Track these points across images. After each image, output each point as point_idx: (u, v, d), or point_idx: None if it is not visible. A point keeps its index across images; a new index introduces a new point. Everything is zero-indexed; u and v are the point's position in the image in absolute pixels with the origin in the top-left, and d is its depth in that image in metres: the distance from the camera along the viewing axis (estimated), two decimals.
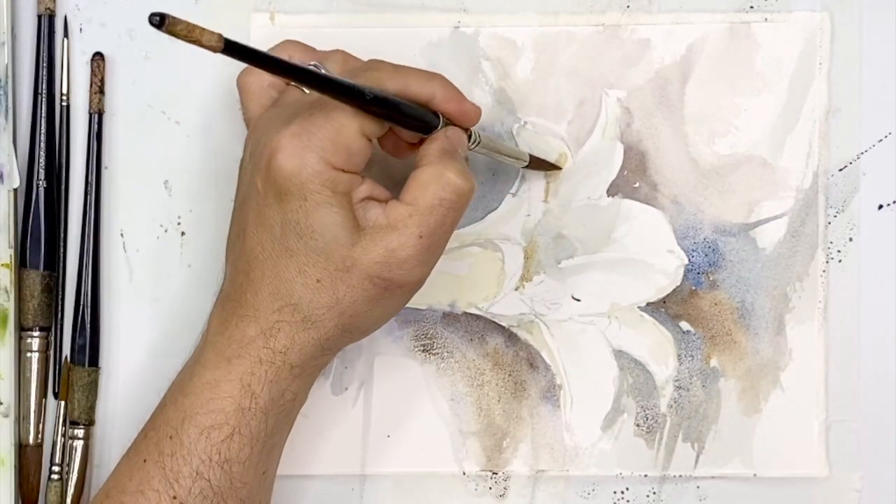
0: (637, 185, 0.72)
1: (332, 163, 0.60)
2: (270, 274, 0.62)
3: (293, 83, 0.64)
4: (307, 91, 0.63)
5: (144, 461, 0.63)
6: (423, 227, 0.62)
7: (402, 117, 0.63)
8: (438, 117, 0.64)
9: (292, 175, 0.60)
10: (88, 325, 0.72)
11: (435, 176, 0.62)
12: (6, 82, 0.71)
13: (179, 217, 0.73)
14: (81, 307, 0.72)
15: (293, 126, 0.60)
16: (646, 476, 0.72)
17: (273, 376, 0.62)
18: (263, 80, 0.66)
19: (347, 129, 0.61)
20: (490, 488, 0.73)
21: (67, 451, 0.72)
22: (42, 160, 0.72)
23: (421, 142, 0.64)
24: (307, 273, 0.62)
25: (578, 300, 0.72)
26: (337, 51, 0.67)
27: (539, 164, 0.71)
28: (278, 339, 0.62)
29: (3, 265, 0.71)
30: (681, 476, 0.72)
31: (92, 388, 0.72)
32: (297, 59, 0.65)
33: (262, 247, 0.62)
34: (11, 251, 0.71)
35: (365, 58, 0.72)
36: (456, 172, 0.62)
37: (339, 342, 0.64)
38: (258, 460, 0.63)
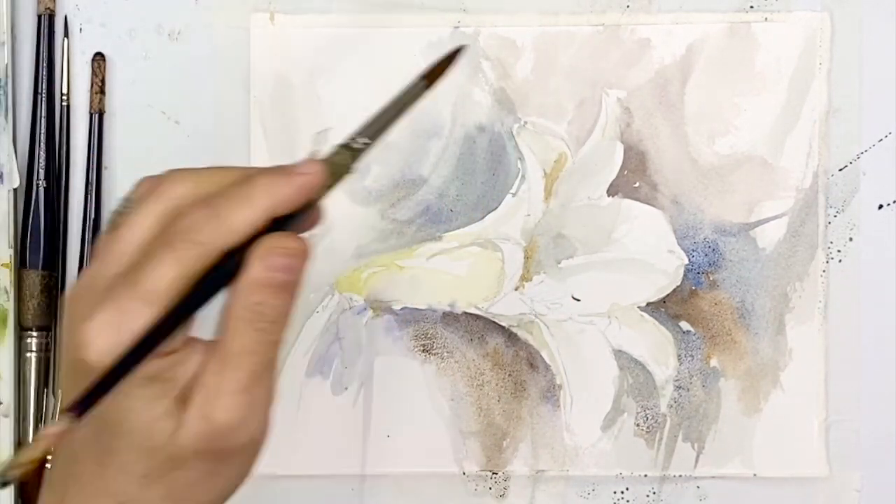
0: (637, 185, 0.72)
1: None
2: (92, 471, 0.52)
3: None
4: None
5: None
6: (240, 380, 0.51)
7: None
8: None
9: (98, 362, 0.50)
10: None
11: (245, 307, 0.51)
12: (6, 82, 0.71)
13: None
14: None
15: (104, 315, 0.50)
16: (646, 476, 0.72)
17: None
18: None
19: (166, 312, 0.50)
20: (490, 488, 0.73)
21: None
22: (42, 160, 0.72)
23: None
24: (130, 471, 0.51)
25: (578, 300, 0.72)
26: (144, 179, 0.53)
27: (438, 69, 0.59)
28: None
29: (3, 265, 0.71)
30: (681, 476, 0.72)
31: None
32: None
33: (83, 441, 0.52)
34: (11, 251, 0.71)
35: (364, 58, 0.72)
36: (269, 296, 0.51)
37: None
38: None
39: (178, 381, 0.51)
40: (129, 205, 0.53)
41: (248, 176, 0.51)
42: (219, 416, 0.51)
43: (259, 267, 0.51)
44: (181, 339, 0.51)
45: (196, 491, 0.52)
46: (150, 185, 0.53)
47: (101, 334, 0.49)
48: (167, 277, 0.50)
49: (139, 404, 0.51)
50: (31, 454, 0.45)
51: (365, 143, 0.55)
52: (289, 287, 0.51)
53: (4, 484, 0.44)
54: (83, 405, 0.46)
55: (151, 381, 0.51)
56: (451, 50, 0.59)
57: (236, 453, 0.52)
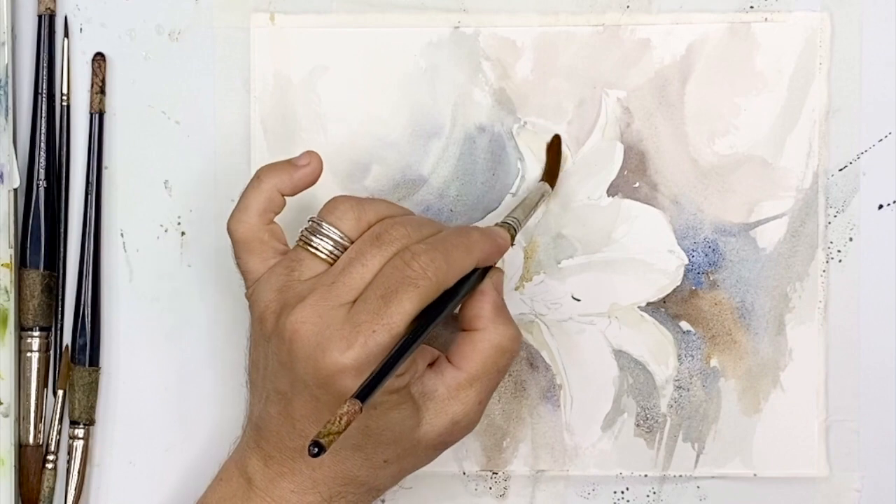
0: (637, 185, 0.72)
1: (399, 372, 0.59)
2: (331, 460, 0.62)
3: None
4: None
5: None
6: (482, 394, 0.64)
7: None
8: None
9: None
10: (88, 325, 0.72)
11: (492, 344, 0.63)
12: (6, 82, 0.71)
13: (179, 217, 0.73)
14: (81, 307, 0.72)
15: (357, 347, 0.59)
16: (646, 476, 0.72)
17: None
18: (261, 229, 0.65)
19: (403, 336, 0.60)
20: (490, 488, 0.72)
21: (67, 451, 0.72)
22: (42, 160, 0.72)
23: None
24: (373, 458, 0.63)
25: (578, 300, 0.72)
26: (341, 203, 0.64)
27: (552, 168, 0.71)
28: (340, 502, 0.63)
29: (3, 265, 0.71)
30: (681, 476, 0.72)
31: (92, 388, 0.72)
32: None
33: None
34: (11, 251, 0.71)
35: (364, 59, 0.72)
36: (510, 334, 0.64)
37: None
38: None
39: (413, 392, 0.62)
40: (325, 227, 0.62)
41: (466, 231, 0.63)
42: (462, 421, 0.63)
43: (498, 278, 0.65)
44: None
45: (418, 467, 0.65)
46: (358, 213, 0.63)
47: (355, 365, 0.59)
48: (411, 312, 0.59)
49: (391, 413, 0.61)
50: (337, 427, 0.53)
51: (517, 224, 0.67)
52: (517, 330, 0.65)
53: (319, 451, 0.52)
54: (365, 394, 0.55)
55: (404, 391, 0.61)
56: (550, 144, 0.72)
57: (453, 443, 0.65)
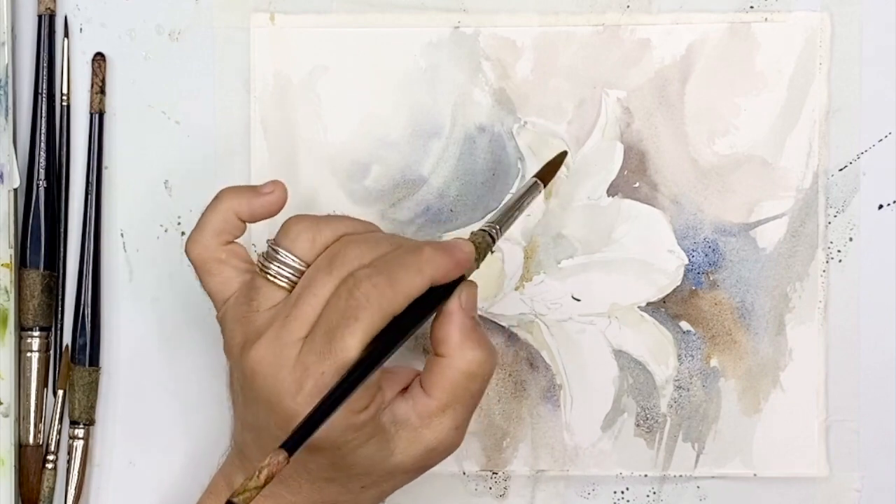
0: (637, 185, 0.72)
1: (356, 409, 0.58)
2: (308, 488, 0.61)
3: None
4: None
5: None
6: (457, 419, 0.61)
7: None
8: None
9: (321, 438, 0.57)
10: (88, 325, 0.72)
11: (460, 371, 0.60)
12: (6, 82, 0.71)
13: (179, 217, 0.73)
14: (81, 307, 0.72)
15: (307, 392, 0.57)
16: (646, 476, 0.72)
17: None
18: (217, 250, 0.63)
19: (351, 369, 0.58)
20: (490, 488, 0.72)
21: (67, 451, 0.72)
22: (42, 160, 0.72)
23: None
24: (349, 486, 0.61)
25: (578, 300, 0.72)
26: (295, 225, 0.61)
27: (549, 170, 0.70)
28: None
29: (3, 265, 0.71)
30: (681, 476, 0.72)
31: (92, 388, 0.72)
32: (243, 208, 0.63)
33: (296, 471, 0.60)
34: (11, 251, 0.71)
35: (364, 59, 0.72)
36: (480, 359, 0.60)
37: None
38: None
39: (384, 422, 0.60)
40: (280, 253, 0.60)
41: (416, 247, 0.59)
42: (437, 447, 0.61)
43: (468, 296, 0.61)
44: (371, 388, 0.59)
45: (395, 488, 0.63)
46: (311, 238, 0.60)
47: (308, 407, 0.55)
48: (357, 346, 0.57)
49: (360, 450, 0.59)
50: (256, 483, 0.51)
51: (496, 230, 0.63)
52: (492, 350, 0.61)
53: None
54: (294, 445, 0.52)
55: (362, 427, 0.58)
56: (556, 155, 0.70)
57: (433, 465, 0.62)
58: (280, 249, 0.60)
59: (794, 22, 0.72)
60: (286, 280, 0.60)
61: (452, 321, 0.60)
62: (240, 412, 0.62)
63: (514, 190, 0.72)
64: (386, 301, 0.57)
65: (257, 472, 0.50)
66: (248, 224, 0.63)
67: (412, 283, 0.58)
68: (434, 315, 0.60)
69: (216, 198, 0.63)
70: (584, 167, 0.72)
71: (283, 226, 0.61)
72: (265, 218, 0.63)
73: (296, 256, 0.60)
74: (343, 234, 0.61)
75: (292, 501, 0.61)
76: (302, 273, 0.60)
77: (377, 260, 0.59)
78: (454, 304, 0.60)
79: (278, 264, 0.60)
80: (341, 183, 0.72)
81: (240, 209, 0.63)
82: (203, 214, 0.63)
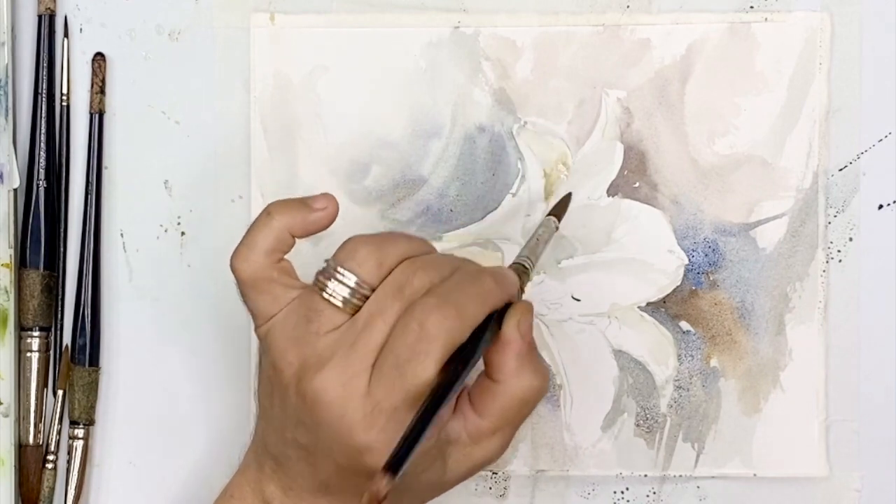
0: (637, 185, 0.72)
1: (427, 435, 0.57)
2: (353, 499, 0.59)
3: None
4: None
5: None
6: (505, 438, 0.61)
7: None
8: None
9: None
10: (88, 325, 0.72)
11: (514, 398, 0.59)
12: (6, 82, 0.71)
13: (179, 217, 0.73)
14: (81, 307, 0.72)
15: (380, 426, 0.57)
16: (646, 476, 0.72)
17: None
18: (269, 268, 0.61)
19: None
20: (490, 488, 0.72)
21: (67, 451, 0.72)
22: (42, 160, 0.72)
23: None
24: (398, 500, 0.59)
25: (578, 300, 0.72)
26: (356, 245, 0.60)
27: (561, 208, 0.70)
28: None
29: (3, 265, 0.71)
30: (681, 476, 0.72)
31: (92, 388, 0.72)
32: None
33: (345, 486, 0.60)
34: (11, 251, 0.71)
35: (364, 59, 0.72)
36: (535, 386, 0.60)
37: None
38: None
39: (440, 443, 0.59)
40: (344, 274, 0.58)
41: (478, 277, 0.59)
42: (485, 464, 0.61)
43: (525, 321, 0.60)
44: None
45: (433, 498, 0.62)
46: (378, 263, 0.59)
47: (380, 442, 0.57)
48: (429, 380, 0.57)
49: (422, 472, 0.59)
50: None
51: (530, 263, 0.64)
52: (545, 376, 0.61)
53: None
54: (396, 466, 0.54)
55: (427, 452, 0.58)
56: (564, 196, 0.71)
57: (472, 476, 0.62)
58: (344, 270, 0.59)
59: (794, 22, 0.72)
60: (342, 300, 0.58)
61: (510, 349, 0.59)
62: (282, 429, 0.60)
63: (514, 190, 0.72)
64: (456, 332, 0.57)
65: (374, 495, 0.52)
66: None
67: (476, 313, 0.58)
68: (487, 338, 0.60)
69: (266, 213, 0.61)
70: (584, 167, 0.72)
71: (346, 246, 0.60)
72: (318, 232, 0.62)
73: (361, 279, 0.58)
74: (405, 256, 0.60)
75: None
76: (362, 295, 0.59)
77: (441, 288, 0.58)
78: (512, 332, 0.60)
79: (339, 284, 0.58)
80: (341, 183, 0.72)
81: (293, 226, 0.61)
82: (252, 230, 0.61)
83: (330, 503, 0.60)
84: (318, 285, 0.59)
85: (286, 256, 0.61)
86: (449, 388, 0.57)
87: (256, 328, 0.61)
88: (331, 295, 0.58)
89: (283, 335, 0.59)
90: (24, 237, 0.71)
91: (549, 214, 0.69)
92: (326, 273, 0.59)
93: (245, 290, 0.61)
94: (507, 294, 0.60)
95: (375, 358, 0.57)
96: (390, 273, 0.59)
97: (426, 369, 0.57)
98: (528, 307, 0.61)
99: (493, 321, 0.59)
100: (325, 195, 0.62)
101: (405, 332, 0.57)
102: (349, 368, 0.57)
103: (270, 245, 0.60)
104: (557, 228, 0.68)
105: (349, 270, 0.58)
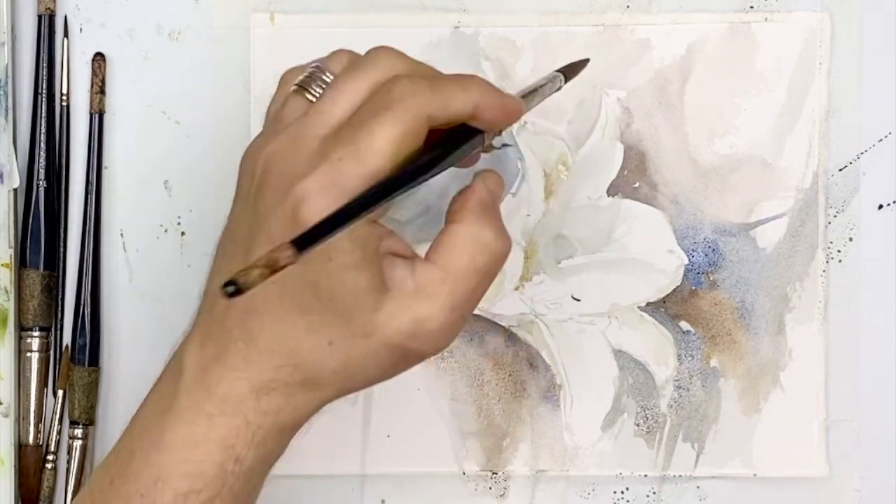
0: (637, 185, 0.72)
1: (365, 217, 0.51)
2: (272, 328, 0.53)
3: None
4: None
5: None
6: (455, 297, 0.54)
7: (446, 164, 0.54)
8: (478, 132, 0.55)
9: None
10: (88, 325, 0.72)
11: (471, 237, 0.54)
12: (6, 82, 0.71)
13: (179, 217, 0.73)
14: (81, 307, 0.72)
15: (320, 173, 0.51)
16: (646, 476, 0.72)
17: (261, 438, 0.54)
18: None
19: (381, 174, 0.51)
20: (490, 488, 0.73)
21: (67, 451, 0.72)
22: (42, 160, 0.72)
23: None
24: (318, 334, 0.53)
25: (578, 300, 0.72)
26: (340, 52, 0.57)
27: (572, 70, 0.65)
28: (271, 399, 0.53)
29: (3, 265, 0.71)
30: (681, 476, 0.72)
31: (92, 388, 0.72)
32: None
33: (266, 297, 0.53)
34: (11, 251, 0.71)
35: None
36: (494, 233, 0.55)
37: (333, 401, 0.56)
38: None
39: (381, 256, 0.53)
40: (322, 72, 0.55)
41: (463, 74, 0.54)
42: (428, 324, 0.53)
43: (493, 181, 0.56)
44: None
45: (366, 375, 0.54)
46: (353, 57, 0.55)
47: (318, 192, 0.51)
48: (385, 138, 0.51)
49: (350, 273, 0.52)
50: (257, 269, 0.44)
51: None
52: (506, 237, 0.56)
53: (235, 291, 0.44)
54: (304, 243, 0.46)
55: (371, 254, 0.52)
56: (582, 59, 0.66)
57: (418, 358, 0.55)
58: (324, 69, 0.56)
59: (794, 22, 0.72)
60: (310, 92, 0.55)
61: (471, 192, 0.56)
62: (226, 248, 0.55)
63: (514, 190, 0.72)
64: (424, 101, 0.52)
65: (265, 259, 0.45)
66: None
67: (455, 97, 0.53)
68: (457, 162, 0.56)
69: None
70: (584, 167, 0.72)
71: (332, 53, 0.57)
72: None
73: (329, 71, 0.55)
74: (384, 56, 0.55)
75: (244, 355, 0.54)
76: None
77: (418, 69, 0.54)
78: (477, 180, 0.56)
79: (319, 83, 0.55)
80: None
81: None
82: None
83: (242, 337, 0.54)
84: (298, 84, 0.56)
85: None
86: (409, 174, 0.51)
87: None
88: (299, 86, 0.56)
89: (258, 135, 0.56)
90: (24, 237, 0.72)
91: (558, 70, 0.64)
92: (309, 74, 0.56)
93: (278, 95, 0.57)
94: (499, 100, 0.55)
95: (331, 129, 0.53)
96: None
97: (383, 125, 0.51)
98: (494, 172, 0.57)
99: (475, 143, 0.55)
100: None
101: (372, 98, 0.53)
102: (300, 133, 0.53)
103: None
104: (560, 88, 0.63)
105: (329, 70, 0.56)
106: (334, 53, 0.57)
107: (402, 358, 0.54)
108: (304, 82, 0.56)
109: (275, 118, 0.56)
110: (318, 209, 0.50)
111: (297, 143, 0.53)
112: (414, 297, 0.54)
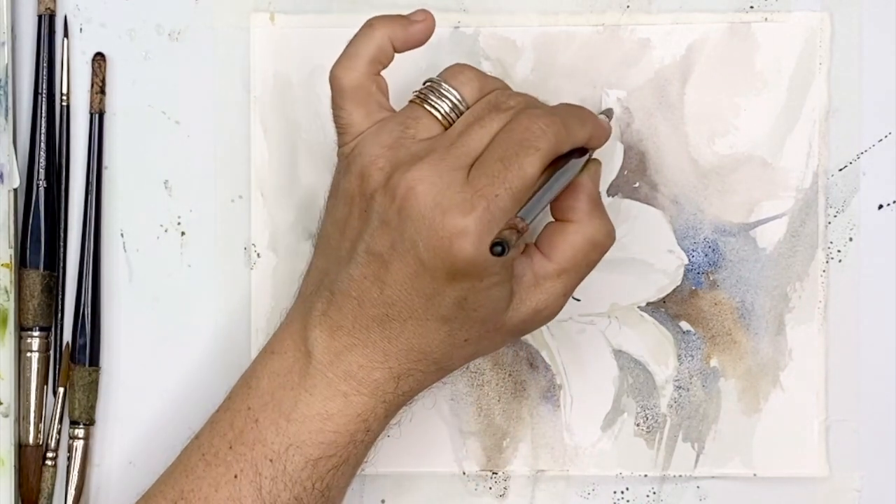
0: (637, 185, 0.72)
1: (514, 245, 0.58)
2: (413, 331, 0.60)
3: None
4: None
5: (236, 476, 0.60)
6: (568, 287, 0.62)
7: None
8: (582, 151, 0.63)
9: (475, 261, 0.58)
10: (88, 325, 0.72)
11: (587, 238, 0.62)
12: (6, 82, 0.71)
13: (179, 217, 0.73)
14: (81, 307, 0.72)
15: (479, 211, 0.57)
16: (646, 476, 0.72)
17: (392, 412, 0.62)
18: (368, 79, 0.62)
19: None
20: (490, 488, 0.73)
21: (67, 451, 0.72)
22: (42, 160, 0.72)
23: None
24: (456, 335, 0.60)
25: (578, 300, 0.72)
26: (465, 69, 0.63)
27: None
28: (407, 383, 0.61)
29: (3, 265, 0.71)
30: (681, 476, 0.72)
31: (92, 388, 0.72)
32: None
33: (409, 305, 0.59)
34: (11, 251, 0.71)
35: None
36: (606, 230, 0.62)
37: None
38: (352, 482, 0.63)
39: (513, 273, 0.60)
40: (444, 87, 0.61)
41: (576, 105, 0.63)
42: (544, 312, 0.62)
43: (596, 171, 0.64)
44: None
45: (485, 353, 0.63)
46: (482, 81, 0.62)
47: (476, 229, 0.57)
48: (534, 175, 0.58)
49: (496, 290, 0.59)
50: (512, 232, 0.55)
51: (610, 112, 0.68)
52: (612, 228, 0.64)
53: (503, 250, 0.55)
54: (528, 213, 0.58)
55: (505, 268, 0.59)
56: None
57: (526, 334, 0.65)
58: (445, 84, 0.61)
59: (794, 22, 0.72)
60: (444, 114, 0.61)
61: (582, 189, 0.62)
62: (352, 247, 0.60)
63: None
64: (560, 138, 0.59)
65: (507, 226, 0.55)
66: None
67: (578, 131, 0.61)
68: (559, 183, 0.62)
69: (368, 25, 0.62)
70: None
71: (452, 68, 0.62)
72: (415, 46, 0.63)
73: (462, 96, 0.61)
74: (502, 88, 0.62)
75: (383, 350, 0.60)
76: (460, 113, 0.61)
77: (544, 107, 0.61)
78: (585, 176, 0.62)
79: (440, 97, 0.61)
80: None
81: (395, 36, 0.62)
82: (354, 41, 0.62)
83: (382, 337, 0.60)
84: (420, 97, 0.61)
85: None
86: (549, 196, 0.59)
87: (342, 145, 0.62)
88: (432, 106, 0.61)
89: (375, 143, 0.60)
90: (24, 237, 0.72)
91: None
92: (429, 87, 0.61)
93: (342, 100, 0.62)
94: (602, 129, 0.63)
95: (473, 161, 0.59)
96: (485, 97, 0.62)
97: (533, 163, 0.58)
98: (598, 162, 0.64)
99: (581, 159, 0.62)
100: (423, 10, 0.64)
101: (511, 133, 0.59)
102: (445, 163, 0.58)
103: (372, 54, 0.62)
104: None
105: (453, 87, 0.61)
106: (459, 71, 0.62)
107: (521, 334, 0.64)
108: (426, 96, 0.61)
109: (402, 127, 0.60)
110: (474, 244, 0.57)
111: (443, 174, 0.58)
112: (531, 289, 0.61)
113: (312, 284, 0.62)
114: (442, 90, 0.61)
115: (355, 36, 0.63)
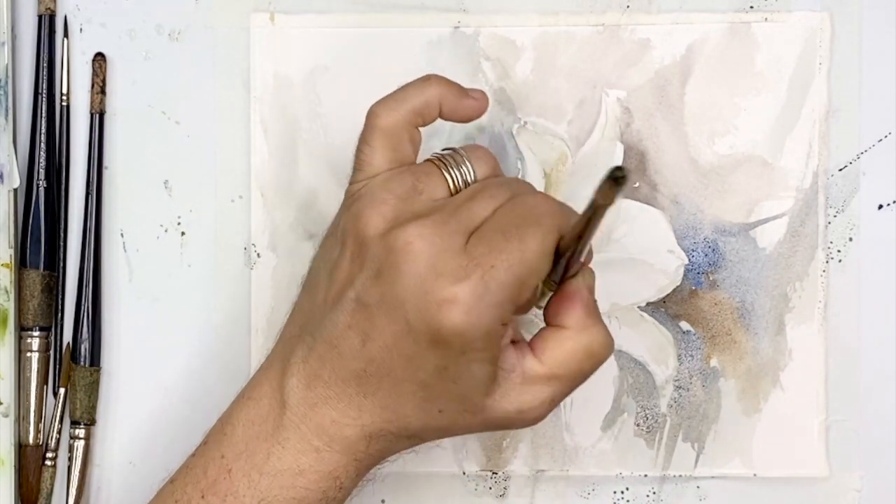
0: (637, 185, 0.72)
1: (505, 321, 0.57)
2: (389, 389, 0.58)
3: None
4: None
5: None
6: (556, 394, 0.60)
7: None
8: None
9: (460, 332, 0.56)
10: (88, 325, 0.72)
11: (582, 346, 0.59)
12: (6, 82, 0.71)
13: (179, 217, 0.73)
14: (81, 307, 0.72)
15: (474, 280, 0.56)
16: (646, 476, 0.72)
17: (363, 471, 0.61)
18: (406, 126, 0.61)
19: (528, 286, 0.57)
20: (490, 488, 0.73)
21: (67, 451, 0.72)
22: (42, 160, 0.72)
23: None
24: (432, 403, 0.59)
25: None
26: (484, 152, 0.62)
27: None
28: (379, 444, 0.60)
29: (3, 265, 0.71)
30: (681, 476, 0.72)
31: (93, 388, 0.72)
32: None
33: (389, 363, 0.58)
34: (11, 251, 0.71)
35: (364, 58, 0.72)
36: (602, 340, 0.60)
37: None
38: None
39: (502, 348, 0.59)
40: (464, 161, 0.60)
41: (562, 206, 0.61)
42: (529, 413, 0.59)
43: (590, 277, 0.62)
44: None
45: (460, 433, 0.61)
46: (496, 163, 0.61)
47: (468, 299, 0.56)
48: (534, 250, 0.57)
49: (478, 365, 0.57)
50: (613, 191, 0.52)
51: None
52: (610, 338, 0.61)
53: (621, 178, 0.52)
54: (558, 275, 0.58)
55: (493, 345, 0.57)
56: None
57: (507, 430, 0.66)
58: (465, 156, 0.60)
59: (794, 22, 0.72)
60: (453, 183, 0.60)
61: (577, 297, 0.60)
62: (340, 291, 0.59)
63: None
64: (563, 225, 0.58)
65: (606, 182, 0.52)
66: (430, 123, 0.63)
67: (575, 226, 0.58)
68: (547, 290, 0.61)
69: (425, 78, 0.62)
70: (584, 167, 0.72)
71: (472, 145, 0.62)
72: (460, 121, 0.63)
73: (475, 172, 0.60)
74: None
75: (358, 405, 0.59)
76: (467, 184, 0.60)
77: (534, 189, 0.61)
78: (579, 283, 0.60)
79: (456, 166, 0.60)
80: (341, 183, 0.72)
81: (446, 100, 0.62)
82: (404, 88, 0.62)
83: (358, 392, 0.59)
84: (439, 160, 0.61)
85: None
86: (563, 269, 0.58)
87: (353, 182, 0.61)
88: (448, 172, 0.60)
89: (385, 188, 0.59)
90: (24, 237, 0.72)
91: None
92: (450, 155, 0.61)
93: (371, 137, 0.61)
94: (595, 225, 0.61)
95: (474, 229, 0.57)
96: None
97: (534, 238, 0.57)
98: (592, 272, 0.62)
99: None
100: (481, 90, 0.63)
101: (513, 207, 0.58)
102: (447, 226, 0.57)
103: (418, 106, 0.61)
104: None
105: (470, 162, 0.60)
106: (479, 149, 0.61)
107: (500, 429, 0.62)
108: (447, 162, 0.60)
109: (413, 179, 0.60)
110: (462, 315, 0.56)
111: (444, 236, 0.57)
112: (520, 388, 0.59)
113: (296, 326, 0.61)
114: (459, 160, 0.60)
115: (409, 83, 0.62)
